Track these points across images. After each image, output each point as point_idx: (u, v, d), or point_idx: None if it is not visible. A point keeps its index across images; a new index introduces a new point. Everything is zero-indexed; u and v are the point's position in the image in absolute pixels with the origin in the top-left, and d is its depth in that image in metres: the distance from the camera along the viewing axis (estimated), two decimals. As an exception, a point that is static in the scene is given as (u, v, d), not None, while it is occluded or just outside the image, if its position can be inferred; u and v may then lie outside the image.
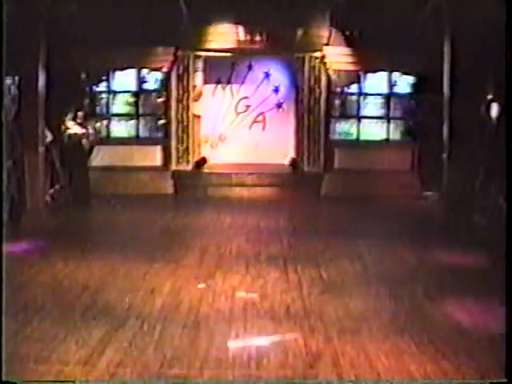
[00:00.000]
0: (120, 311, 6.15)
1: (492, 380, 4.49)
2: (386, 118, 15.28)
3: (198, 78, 15.65)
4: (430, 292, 6.88)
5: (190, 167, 15.29)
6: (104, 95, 15.11)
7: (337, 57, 14.86)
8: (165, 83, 15.04)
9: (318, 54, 14.94)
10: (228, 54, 15.23)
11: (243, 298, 6.65)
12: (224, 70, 16.48)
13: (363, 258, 8.55)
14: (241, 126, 17.06)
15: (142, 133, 15.27)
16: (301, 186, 14.73)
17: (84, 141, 13.22)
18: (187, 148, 15.26)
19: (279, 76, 16.80)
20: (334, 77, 14.96)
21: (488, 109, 11.63)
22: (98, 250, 8.80)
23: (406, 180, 14.60)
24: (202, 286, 7.13)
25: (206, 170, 15.68)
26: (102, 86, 15.07)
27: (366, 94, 15.22)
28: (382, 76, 15.18)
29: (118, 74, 15.07)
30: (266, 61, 16.47)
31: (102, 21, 13.35)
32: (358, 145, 15.20)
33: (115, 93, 15.17)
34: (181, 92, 15.11)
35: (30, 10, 10.09)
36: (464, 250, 8.89)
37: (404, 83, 15.19)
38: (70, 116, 13.21)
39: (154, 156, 15.09)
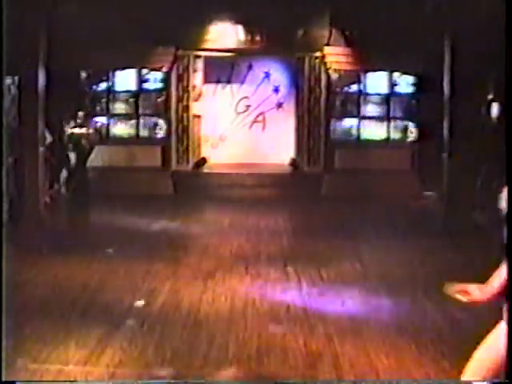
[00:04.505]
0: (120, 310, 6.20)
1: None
2: (386, 117, 15.27)
3: (198, 77, 15.65)
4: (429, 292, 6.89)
5: (189, 167, 15.29)
6: (104, 95, 15.12)
7: (337, 57, 14.85)
8: (165, 83, 15.04)
9: (318, 54, 14.94)
10: (228, 54, 15.23)
11: (243, 298, 6.65)
12: (224, 69, 16.50)
13: (363, 259, 8.54)
14: (241, 125, 17.08)
15: (142, 133, 15.27)
16: (301, 186, 14.72)
17: (84, 141, 13.21)
18: (187, 148, 15.25)
19: (279, 76, 16.82)
20: (333, 77, 14.95)
21: (488, 109, 11.65)
22: (98, 250, 8.81)
23: (406, 180, 14.60)
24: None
25: (205, 170, 15.69)
26: (102, 86, 15.08)
27: (366, 94, 15.21)
28: (382, 76, 15.17)
29: (118, 73, 15.07)
30: (266, 61, 16.49)
31: (102, 21, 13.34)
32: (358, 145, 15.18)
33: (115, 93, 15.17)
34: (181, 92, 15.10)
35: (30, 10, 10.08)
36: (464, 250, 8.90)
37: (404, 83, 15.18)
38: (70, 116, 13.20)
39: (154, 156, 15.08)
